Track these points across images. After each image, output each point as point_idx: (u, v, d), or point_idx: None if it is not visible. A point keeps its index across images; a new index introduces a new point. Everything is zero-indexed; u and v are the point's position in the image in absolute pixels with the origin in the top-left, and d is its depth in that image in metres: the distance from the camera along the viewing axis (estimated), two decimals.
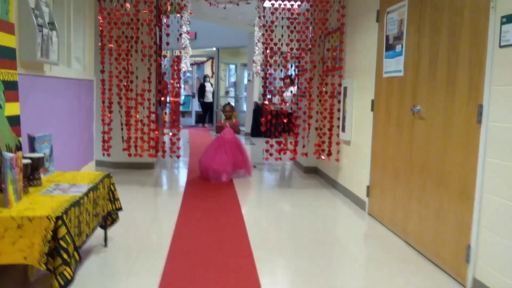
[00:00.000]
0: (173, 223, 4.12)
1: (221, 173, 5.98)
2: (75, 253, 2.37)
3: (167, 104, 6.52)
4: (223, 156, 6.03)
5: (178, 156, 5.91)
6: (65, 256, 2.24)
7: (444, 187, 3.21)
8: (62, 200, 2.51)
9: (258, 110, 11.56)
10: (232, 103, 16.46)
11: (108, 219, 3.41)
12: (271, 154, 5.99)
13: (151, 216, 4.52)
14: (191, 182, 6.03)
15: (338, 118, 5.68)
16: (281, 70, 5.90)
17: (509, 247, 2.52)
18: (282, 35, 5.84)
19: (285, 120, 6.01)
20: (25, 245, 2.22)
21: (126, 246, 3.49)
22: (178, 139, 5.79)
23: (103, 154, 5.93)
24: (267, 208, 5.06)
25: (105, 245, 3.42)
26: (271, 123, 5.90)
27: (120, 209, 3.43)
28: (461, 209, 3.00)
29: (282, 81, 6.21)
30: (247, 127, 12.66)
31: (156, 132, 5.84)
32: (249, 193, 5.75)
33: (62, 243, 2.24)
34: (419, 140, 3.61)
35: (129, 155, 5.95)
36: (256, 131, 11.78)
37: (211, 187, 5.72)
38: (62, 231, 2.25)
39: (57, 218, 2.24)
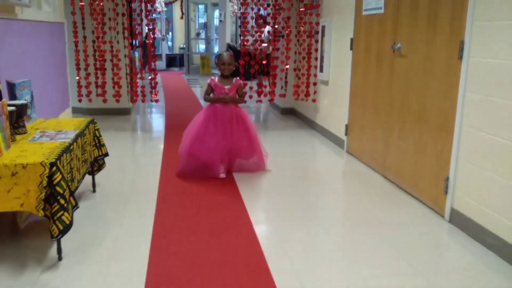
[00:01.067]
0: (158, 166, 4.16)
1: (216, 165, 3.86)
2: (71, 199, 2.39)
3: (138, 47, 6.34)
4: (218, 139, 3.83)
5: (156, 100, 5.85)
6: (62, 201, 2.26)
7: (424, 122, 3.32)
8: (52, 147, 2.49)
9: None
10: (203, 46, 16.15)
11: (95, 165, 3.41)
12: (250, 97, 5.98)
13: (135, 161, 4.53)
14: (170, 126, 6.01)
15: (316, 58, 5.68)
16: (259, 9, 5.78)
17: (487, 178, 2.68)
18: None
19: (264, 62, 5.95)
20: (20, 192, 2.22)
21: (115, 191, 3.52)
22: (156, 83, 5.70)
23: (79, 101, 5.81)
24: None
25: (94, 190, 3.44)
26: (249, 64, 5.85)
27: (107, 154, 3.42)
28: (440, 142, 3.13)
29: (254, 20, 6.06)
30: None
31: (135, 77, 5.72)
32: None
33: (58, 188, 2.25)
34: (400, 77, 3.68)
35: (104, 100, 5.85)
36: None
37: None
38: (57, 177, 2.25)
39: (51, 164, 2.24)
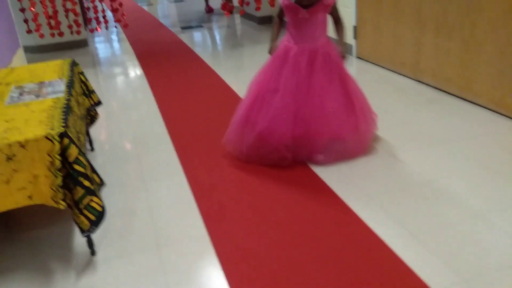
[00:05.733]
0: (153, 104, 3.48)
1: (295, 148, 2.34)
2: (94, 176, 1.75)
3: None
4: (287, 99, 2.29)
5: (125, 25, 4.91)
6: (86, 183, 1.62)
7: (478, 10, 2.77)
8: (46, 108, 1.79)
9: None
10: None
11: (87, 118, 2.71)
12: (210, 10, 5.14)
13: (122, 103, 3.77)
14: (142, 53, 5.16)
15: None
16: None
17: None
18: None
19: None
20: (25, 181, 1.57)
21: (118, 145, 2.86)
22: (121, 4, 4.74)
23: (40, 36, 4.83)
24: (244, 73, 4.46)
25: (92, 149, 2.77)
26: None
27: (99, 103, 2.71)
28: (506, 31, 2.61)
29: None
30: None
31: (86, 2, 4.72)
32: (215, 56, 5.05)
33: (77, 167, 1.60)
34: None
35: (52, 35, 4.90)
36: None
37: (168, 56, 4.95)
38: (73, 152, 1.59)
39: (61, 135, 1.57)
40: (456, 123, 2.75)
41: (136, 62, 4.82)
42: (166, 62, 4.75)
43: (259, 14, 6.16)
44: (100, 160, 2.67)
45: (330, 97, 2.27)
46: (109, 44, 6.12)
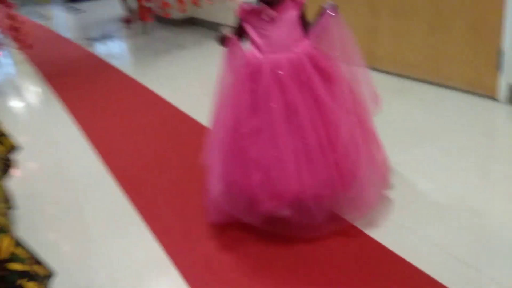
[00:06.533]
0: (78, 133, 2.88)
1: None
2: (38, 267, 1.21)
3: None
4: (275, 135, 1.58)
5: (29, 46, 4.14)
6: (30, 286, 1.10)
7: None
8: None
9: None
10: None
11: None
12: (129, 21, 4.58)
13: (40, 138, 3.05)
14: (52, 76, 4.41)
15: None
16: None
17: None
18: None
19: None
20: None
21: (48, 197, 2.26)
22: (22, 22, 3.98)
23: None
24: (177, 81, 3.96)
25: (9, 207, 2.11)
26: None
27: (17, 148, 2.10)
28: (480, 9, 2.41)
29: None
30: None
31: None
32: (138, 67, 4.49)
33: (14, 266, 1.07)
34: None
35: None
36: None
37: (84, 75, 4.31)
38: (6, 244, 1.05)
39: None
40: (436, 113, 2.52)
41: (47, 86, 4.09)
42: (84, 81, 4.11)
43: (178, 16, 5.66)
44: (26, 221, 2.07)
45: (340, 113, 1.60)
46: (6, 69, 5.25)
